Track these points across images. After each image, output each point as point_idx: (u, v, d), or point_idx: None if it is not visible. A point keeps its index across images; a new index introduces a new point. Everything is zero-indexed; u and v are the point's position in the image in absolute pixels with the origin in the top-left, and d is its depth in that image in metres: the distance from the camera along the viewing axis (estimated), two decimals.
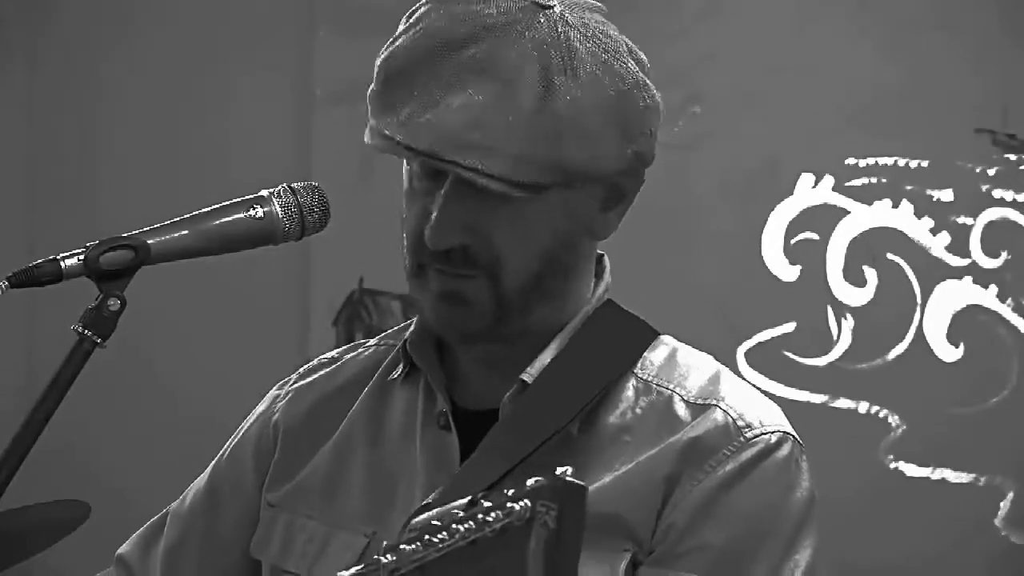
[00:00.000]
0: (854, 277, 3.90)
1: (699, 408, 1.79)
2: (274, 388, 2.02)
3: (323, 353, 2.04)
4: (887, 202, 3.89)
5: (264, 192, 1.79)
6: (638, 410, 1.80)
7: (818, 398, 3.92)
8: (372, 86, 1.80)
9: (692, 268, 3.96)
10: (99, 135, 4.48)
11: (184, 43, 4.43)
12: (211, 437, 2.09)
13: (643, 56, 1.83)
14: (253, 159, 4.25)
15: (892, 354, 3.88)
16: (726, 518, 1.74)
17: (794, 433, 1.80)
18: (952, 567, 3.83)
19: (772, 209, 3.94)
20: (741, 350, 3.91)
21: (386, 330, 2.03)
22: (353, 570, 1.45)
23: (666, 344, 1.87)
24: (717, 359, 1.89)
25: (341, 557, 1.83)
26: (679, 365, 1.84)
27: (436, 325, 1.82)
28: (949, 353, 3.84)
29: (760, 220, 3.94)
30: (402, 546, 1.37)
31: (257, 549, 1.93)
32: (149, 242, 1.72)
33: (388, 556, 1.39)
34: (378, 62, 1.80)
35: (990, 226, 3.83)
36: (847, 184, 3.91)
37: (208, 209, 1.77)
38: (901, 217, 3.88)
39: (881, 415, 3.88)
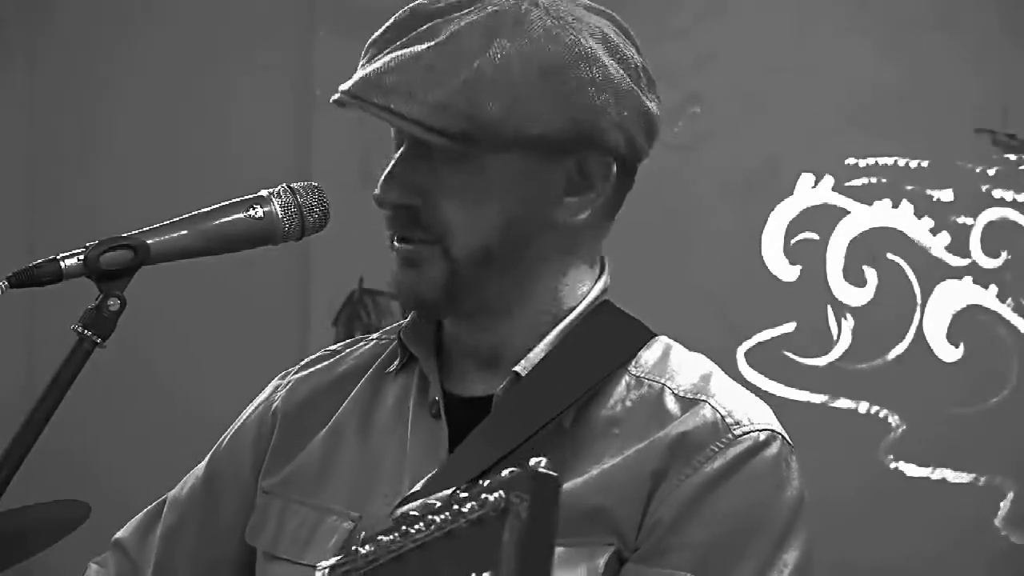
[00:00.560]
0: (854, 277, 3.90)
1: (689, 403, 1.79)
2: (276, 378, 2.04)
3: (345, 341, 2.07)
4: (887, 202, 3.89)
5: (264, 192, 1.79)
6: (628, 403, 1.81)
7: (818, 398, 3.92)
8: None
9: (692, 268, 3.96)
10: (99, 135, 4.48)
11: (184, 43, 4.43)
12: (211, 437, 2.09)
13: (631, 54, 1.83)
14: (253, 159, 4.25)
15: (892, 354, 3.88)
16: (713, 515, 1.74)
17: (783, 432, 1.80)
18: (952, 567, 3.83)
19: (772, 209, 3.94)
20: (741, 350, 3.91)
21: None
22: (332, 560, 1.46)
23: (661, 343, 1.88)
24: (717, 359, 1.89)
25: (328, 541, 1.84)
26: (672, 361, 1.85)
27: (397, 292, 1.84)
28: (949, 353, 3.85)
29: (760, 220, 3.94)
30: (380, 537, 1.38)
31: (252, 535, 1.94)
32: (149, 242, 1.72)
33: (366, 547, 1.39)
34: None
35: (990, 226, 3.83)
36: (847, 184, 3.91)
37: (208, 209, 1.77)
38: (901, 217, 3.88)
39: (881, 415, 3.88)
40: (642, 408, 1.80)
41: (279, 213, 1.78)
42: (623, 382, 1.82)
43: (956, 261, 3.85)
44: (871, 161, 3.90)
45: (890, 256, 3.88)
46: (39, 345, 4.39)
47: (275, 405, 1.99)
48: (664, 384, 1.81)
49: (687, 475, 1.75)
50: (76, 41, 4.50)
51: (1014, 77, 3.80)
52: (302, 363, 2.04)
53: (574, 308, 1.85)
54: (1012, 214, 3.83)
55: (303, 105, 4.29)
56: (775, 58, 3.93)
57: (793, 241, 3.93)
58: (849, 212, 3.91)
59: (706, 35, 3.96)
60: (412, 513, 1.36)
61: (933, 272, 3.85)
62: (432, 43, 1.76)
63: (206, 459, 2.05)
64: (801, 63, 3.92)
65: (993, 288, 3.83)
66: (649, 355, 1.85)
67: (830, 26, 3.92)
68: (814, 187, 3.93)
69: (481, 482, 1.32)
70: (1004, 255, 3.83)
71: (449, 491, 1.39)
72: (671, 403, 1.80)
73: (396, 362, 1.92)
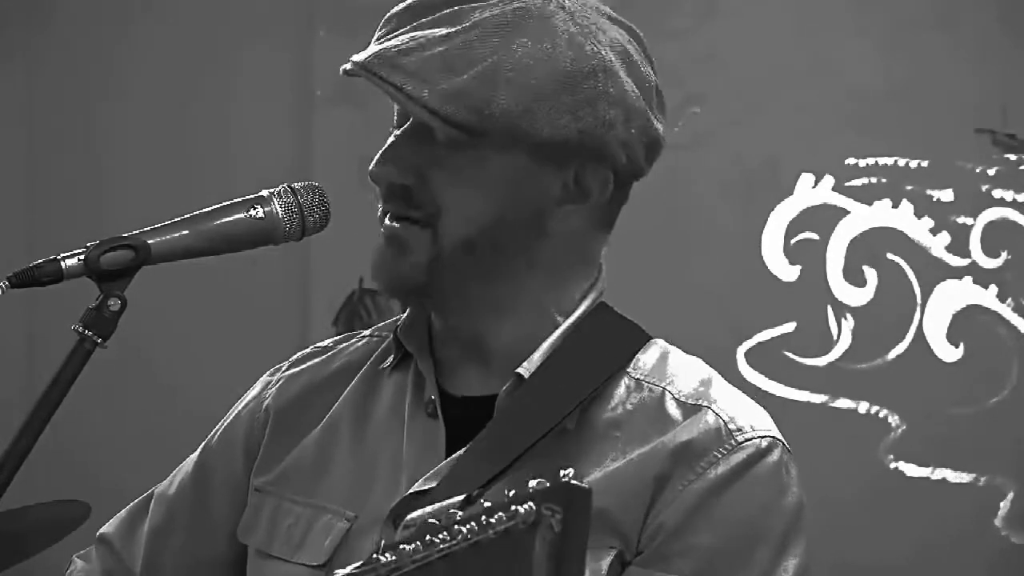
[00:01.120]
0: (854, 277, 3.90)
1: (691, 408, 1.80)
2: (266, 374, 2.02)
3: (336, 337, 2.05)
4: (887, 202, 3.89)
5: (264, 192, 1.79)
6: (629, 406, 1.81)
7: (818, 398, 3.92)
8: None
9: (692, 268, 3.96)
10: (99, 135, 4.48)
11: (184, 43, 4.43)
12: None
13: (647, 73, 1.83)
14: (253, 159, 4.25)
15: (892, 354, 3.88)
16: (716, 521, 1.74)
17: (783, 439, 1.81)
18: (952, 567, 3.83)
19: (772, 209, 3.94)
20: (741, 350, 3.91)
21: None
22: (350, 568, 1.45)
23: (658, 346, 1.88)
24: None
25: (323, 540, 1.84)
26: (670, 365, 1.85)
27: (373, 272, 1.84)
28: (949, 353, 3.85)
29: (760, 220, 3.94)
30: (401, 545, 1.37)
31: (244, 533, 1.93)
32: (149, 242, 1.72)
33: (387, 555, 1.38)
34: None
35: (990, 226, 3.83)
36: (847, 184, 3.91)
37: (208, 209, 1.77)
38: (901, 217, 3.88)
39: (881, 415, 3.88)
40: (643, 412, 1.80)
41: (280, 213, 1.78)
42: (623, 384, 1.83)
43: (956, 261, 3.85)
44: (871, 161, 3.90)
45: (890, 256, 3.88)
46: (39, 345, 4.39)
47: (266, 402, 1.98)
48: (665, 388, 1.82)
49: (690, 480, 1.75)
50: (76, 41, 4.50)
51: (1014, 77, 3.80)
52: (293, 359, 2.02)
53: (572, 312, 1.85)
54: (1012, 214, 3.83)
55: (303, 105, 4.29)
56: (775, 58, 3.93)
57: (793, 241, 3.93)
58: (849, 212, 3.91)
59: (706, 35, 3.96)
60: (433, 522, 1.35)
61: (933, 272, 3.85)
62: (453, 29, 1.76)
63: (195, 455, 2.03)
64: (801, 63, 3.91)
65: (993, 288, 3.83)
66: (647, 358, 1.85)
67: (830, 26, 3.92)
68: (814, 187, 3.93)
69: (507, 492, 1.31)
70: (1004, 255, 3.83)
71: (463, 498, 1.38)
72: (672, 408, 1.80)
73: (391, 359, 1.92)
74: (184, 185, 4.19)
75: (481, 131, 1.74)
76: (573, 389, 1.80)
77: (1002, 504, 3.80)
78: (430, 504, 1.51)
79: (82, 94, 4.49)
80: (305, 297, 4.30)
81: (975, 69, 3.82)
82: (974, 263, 3.84)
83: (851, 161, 3.91)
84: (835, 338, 3.91)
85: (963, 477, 3.82)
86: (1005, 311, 3.82)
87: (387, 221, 1.81)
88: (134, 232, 1.73)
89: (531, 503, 1.29)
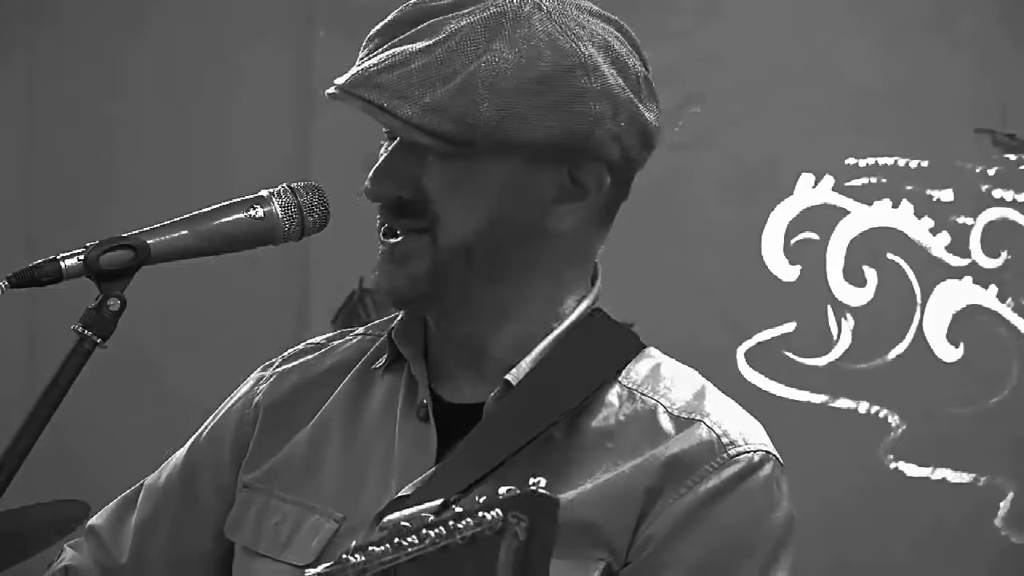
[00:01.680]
0: (854, 277, 3.90)
1: (684, 422, 1.79)
2: (258, 370, 2.02)
3: (329, 334, 2.05)
4: (887, 202, 3.89)
5: (264, 192, 1.79)
6: (621, 417, 1.80)
7: (818, 398, 3.92)
8: None
9: (692, 268, 3.95)
10: (99, 135, 4.48)
11: (184, 43, 4.43)
12: None
13: (633, 63, 1.81)
14: (253, 159, 4.25)
15: (892, 354, 3.88)
16: (705, 534, 1.74)
17: (776, 453, 1.80)
18: (952, 567, 3.83)
19: (772, 209, 3.94)
20: (741, 350, 3.91)
21: None
22: (321, 568, 1.45)
23: (651, 356, 1.87)
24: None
25: (311, 540, 1.83)
26: (664, 377, 1.84)
27: (376, 285, 1.84)
28: (949, 353, 3.84)
29: (760, 220, 3.94)
30: (371, 547, 1.37)
31: (231, 530, 1.93)
32: (149, 242, 1.72)
33: (356, 556, 1.38)
34: None
35: (990, 226, 3.83)
36: (847, 184, 3.91)
37: (208, 209, 1.77)
38: (901, 217, 3.88)
39: (881, 415, 3.88)
40: (635, 423, 1.79)
41: (279, 213, 1.78)
42: (614, 394, 1.82)
43: (956, 261, 3.85)
44: (871, 161, 3.90)
45: (890, 256, 3.88)
46: (39, 345, 4.38)
47: (257, 398, 1.97)
48: (658, 401, 1.81)
49: (681, 494, 1.75)
50: (76, 41, 4.49)
51: (1014, 77, 3.80)
52: (285, 355, 2.02)
53: (566, 317, 1.84)
54: (1012, 214, 3.83)
55: (303, 105, 4.29)
56: (775, 58, 3.93)
57: (793, 241, 3.93)
58: (849, 212, 3.91)
59: (706, 35, 3.96)
60: (405, 525, 1.35)
61: (933, 272, 3.85)
62: (430, 42, 1.75)
63: (184, 448, 2.02)
64: (801, 63, 3.91)
65: (993, 288, 3.83)
66: (640, 367, 1.85)
67: (830, 26, 3.91)
68: (814, 187, 3.93)
69: (477, 498, 1.31)
70: (1004, 255, 3.83)
71: (440, 502, 1.39)
72: (665, 421, 1.79)
73: (383, 359, 1.91)
74: (184, 185, 4.19)
75: (467, 140, 1.74)
76: (562, 397, 1.79)
77: (1002, 504, 3.80)
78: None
79: (82, 94, 4.49)
80: (305, 297, 4.29)
81: (975, 69, 3.82)
82: (974, 263, 3.84)
83: (851, 161, 3.91)
84: (835, 338, 3.90)
85: (963, 477, 3.82)
86: (1005, 311, 3.82)
87: (384, 237, 1.81)
88: (133, 232, 1.73)
89: (498, 510, 1.30)
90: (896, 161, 3.89)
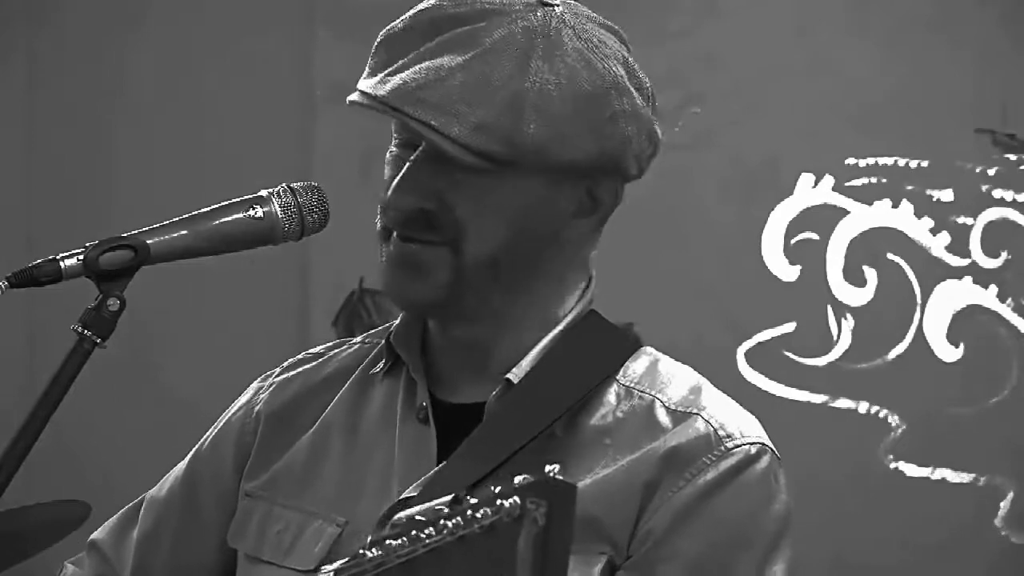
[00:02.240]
0: (854, 277, 3.90)
1: (681, 416, 1.80)
2: (257, 380, 2.02)
3: (327, 344, 2.05)
4: (887, 202, 3.89)
5: (264, 192, 1.79)
6: (619, 414, 1.81)
7: (818, 398, 3.92)
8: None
9: (692, 268, 3.95)
10: (99, 135, 4.48)
11: (184, 43, 4.43)
12: None
13: (644, 77, 1.84)
14: (253, 159, 4.25)
15: (892, 354, 3.88)
16: (704, 527, 1.75)
17: (772, 446, 1.81)
18: (952, 567, 3.83)
19: (772, 209, 3.94)
20: (741, 350, 3.91)
21: None
22: (337, 564, 1.46)
23: (648, 354, 1.88)
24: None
25: (314, 546, 1.84)
26: (660, 374, 1.85)
27: (388, 291, 1.83)
28: (949, 353, 3.85)
29: (760, 220, 3.94)
30: (388, 541, 1.37)
31: (234, 538, 1.93)
32: (148, 242, 1.72)
33: (373, 550, 1.39)
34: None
35: (990, 226, 3.83)
36: (847, 184, 3.91)
37: (207, 209, 1.77)
38: (901, 217, 3.88)
39: (881, 415, 3.88)
40: (633, 420, 1.81)
41: (279, 213, 1.78)
42: (612, 392, 1.83)
43: (956, 261, 3.85)
44: (871, 161, 3.90)
45: (890, 256, 3.88)
46: (39, 345, 4.39)
47: (257, 408, 1.98)
48: (655, 397, 1.82)
49: (680, 487, 1.76)
50: (76, 41, 4.50)
51: (1014, 77, 3.80)
52: (284, 365, 2.02)
53: (564, 317, 1.86)
54: (1012, 214, 3.83)
55: (303, 105, 4.29)
56: (775, 58, 3.93)
57: (793, 241, 3.93)
58: (849, 212, 3.91)
59: (706, 35, 3.96)
60: (419, 518, 1.36)
61: (933, 272, 3.85)
62: (466, 57, 1.75)
63: (185, 460, 2.03)
64: (801, 63, 3.91)
65: (993, 288, 3.83)
66: (637, 366, 1.86)
67: (830, 26, 3.92)
68: (814, 187, 3.93)
69: (493, 488, 1.32)
70: (1004, 255, 3.83)
71: (452, 496, 1.39)
72: (663, 416, 1.80)
73: (382, 364, 1.92)
74: (184, 185, 4.19)
75: (510, 160, 1.74)
76: (562, 395, 1.80)
77: (1002, 504, 3.80)
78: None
79: (82, 93, 4.49)
80: (305, 297, 4.30)
81: (975, 69, 3.82)
82: (974, 263, 3.84)
83: (851, 161, 3.91)
84: (835, 338, 3.91)
85: (963, 477, 3.82)
86: (1005, 311, 3.82)
87: (400, 241, 1.80)
88: (133, 232, 1.73)
89: (516, 497, 1.30)
90: (896, 161, 3.89)
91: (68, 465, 3.99)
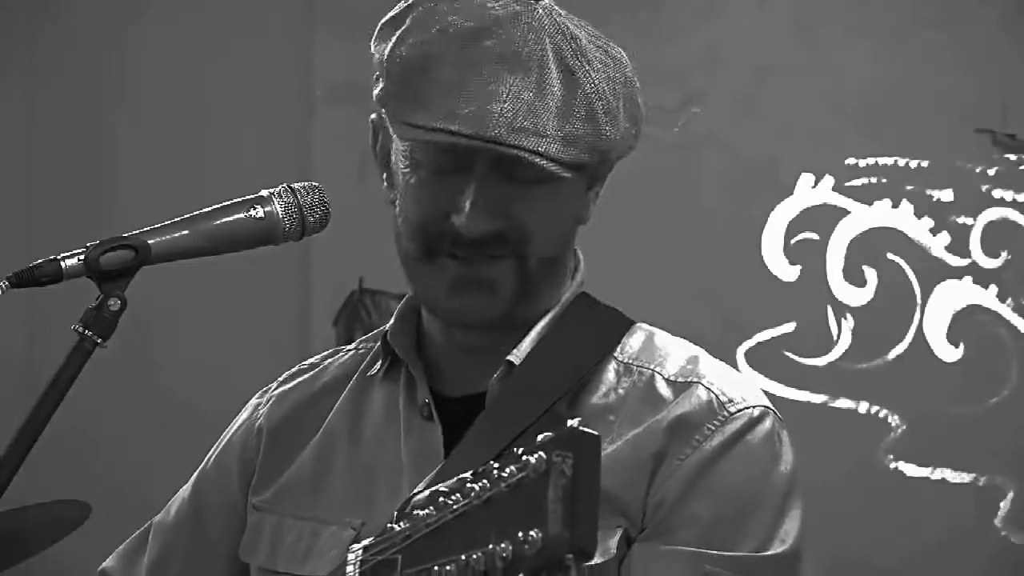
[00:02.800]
0: (854, 277, 3.90)
1: (681, 386, 1.83)
2: (255, 396, 2.03)
3: (322, 353, 2.05)
4: (887, 202, 3.89)
5: (264, 192, 1.79)
6: (620, 390, 1.84)
7: (818, 398, 3.92)
8: (383, 86, 1.81)
9: (692, 268, 3.95)
10: (98, 135, 4.48)
11: (184, 43, 4.43)
12: (211, 437, 2.09)
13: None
14: (253, 159, 4.25)
15: (892, 354, 3.88)
16: (714, 490, 1.78)
17: (774, 408, 1.84)
18: (952, 567, 3.82)
19: (772, 209, 3.94)
20: (741, 350, 3.91)
21: None
22: (367, 541, 1.46)
23: (643, 330, 1.91)
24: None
25: (331, 551, 1.84)
26: (657, 348, 1.88)
27: (449, 313, 1.84)
28: (949, 353, 3.84)
29: (760, 220, 3.94)
30: (415, 511, 1.38)
31: (246, 553, 1.94)
32: (149, 242, 1.72)
33: (401, 523, 1.39)
34: (386, 62, 1.80)
35: (990, 226, 3.83)
36: (847, 184, 3.91)
37: (208, 209, 1.77)
38: (901, 217, 3.88)
39: (881, 415, 3.88)
40: (634, 394, 1.83)
41: (280, 213, 1.78)
42: (611, 369, 1.86)
43: (956, 261, 3.85)
44: (871, 161, 3.90)
45: (890, 256, 3.88)
46: (39, 345, 4.38)
47: (259, 422, 1.99)
48: (654, 370, 1.85)
49: (687, 454, 1.79)
50: (75, 41, 4.49)
51: (1014, 77, 3.80)
52: (281, 378, 2.04)
53: (559, 299, 1.88)
54: (1012, 214, 3.82)
55: (303, 105, 4.29)
56: (775, 58, 3.93)
57: (793, 241, 3.93)
58: (849, 212, 3.91)
59: (706, 35, 3.96)
60: (444, 488, 1.36)
61: (933, 272, 3.85)
62: (527, 74, 1.76)
63: (190, 482, 2.04)
64: (801, 63, 3.91)
65: (993, 288, 3.82)
66: (633, 341, 1.88)
67: (830, 26, 3.91)
68: (814, 187, 3.92)
69: (515, 449, 1.32)
70: (1004, 255, 3.83)
71: (471, 473, 1.39)
72: (663, 388, 1.83)
73: (379, 364, 1.92)
74: (184, 185, 4.19)
75: (595, 165, 1.80)
76: (562, 375, 1.82)
77: (1002, 504, 3.80)
78: None
79: (82, 94, 4.49)
80: (305, 297, 4.29)
81: (975, 69, 3.81)
82: (974, 263, 3.83)
83: (851, 161, 3.91)
84: (835, 338, 3.90)
85: (963, 477, 3.82)
86: (1005, 311, 3.82)
87: (462, 263, 1.81)
88: (134, 232, 1.73)
89: (541, 452, 1.30)
90: (896, 161, 3.88)
91: (68, 465, 3.98)
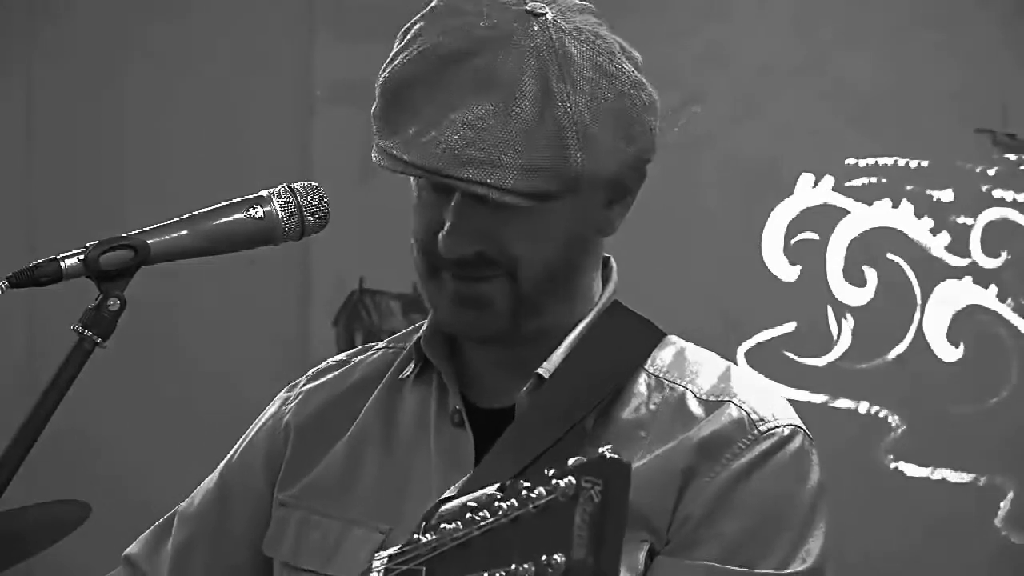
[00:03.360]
0: (854, 277, 3.90)
1: (713, 405, 1.83)
2: (283, 391, 2.03)
3: (323, 353, 2.05)
4: (887, 202, 3.89)
5: (264, 192, 1.79)
6: (652, 406, 1.84)
7: (818, 398, 3.92)
8: (375, 106, 1.81)
9: (692, 268, 3.95)
10: (99, 135, 4.48)
11: (184, 43, 4.43)
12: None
13: (636, 54, 1.85)
14: (253, 159, 4.25)
15: (892, 354, 3.88)
16: (741, 507, 1.78)
17: (804, 427, 1.85)
18: (952, 567, 3.82)
19: (772, 209, 3.94)
20: (741, 350, 3.91)
21: (386, 330, 2.04)
22: (392, 550, 1.46)
23: (673, 343, 1.91)
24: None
25: (357, 554, 1.84)
26: (689, 363, 1.88)
27: (452, 327, 1.84)
28: (949, 353, 3.84)
29: (760, 220, 3.94)
30: (443, 525, 1.38)
31: (270, 547, 1.94)
32: (149, 242, 1.72)
33: (428, 535, 1.40)
34: (378, 82, 1.81)
35: (990, 226, 3.83)
36: (847, 184, 3.91)
37: (208, 209, 1.77)
38: (901, 217, 3.88)
39: (881, 415, 3.88)
40: (666, 411, 1.83)
41: (279, 213, 1.78)
42: (642, 383, 1.86)
43: (956, 261, 3.84)
44: (871, 161, 3.90)
45: (890, 256, 3.88)
46: (39, 345, 4.38)
47: (286, 418, 1.99)
48: (686, 387, 1.85)
49: (717, 472, 1.79)
50: (75, 41, 4.50)
51: (1014, 77, 3.80)
52: (309, 374, 2.04)
53: (588, 310, 1.88)
54: (1012, 214, 3.82)
55: (303, 105, 4.29)
56: (775, 58, 3.93)
57: (793, 241, 3.93)
58: (849, 212, 3.91)
59: (706, 35, 3.96)
60: (472, 504, 1.37)
61: (933, 272, 3.85)
62: (493, 101, 1.74)
63: (215, 473, 2.04)
64: (801, 63, 3.91)
65: (993, 288, 3.82)
66: (664, 355, 1.88)
67: (830, 26, 3.91)
68: (814, 187, 3.93)
69: (546, 470, 1.33)
70: (1004, 255, 3.83)
71: (497, 486, 1.40)
72: (695, 406, 1.84)
73: (411, 368, 1.92)
74: (184, 185, 4.19)
75: (560, 193, 1.76)
76: (592, 388, 1.82)
77: (1002, 504, 3.80)
78: None
79: (82, 93, 4.49)
80: (305, 297, 4.29)
81: (975, 69, 3.81)
82: (974, 263, 3.83)
83: (851, 161, 3.91)
84: (835, 338, 3.90)
85: (963, 477, 3.82)
86: (1005, 311, 3.82)
87: (456, 280, 1.81)
88: (133, 232, 1.73)
89: (571, 477, 1.30)
90: (896, 161, 3.88)
91: (68, 465, 3.98)
